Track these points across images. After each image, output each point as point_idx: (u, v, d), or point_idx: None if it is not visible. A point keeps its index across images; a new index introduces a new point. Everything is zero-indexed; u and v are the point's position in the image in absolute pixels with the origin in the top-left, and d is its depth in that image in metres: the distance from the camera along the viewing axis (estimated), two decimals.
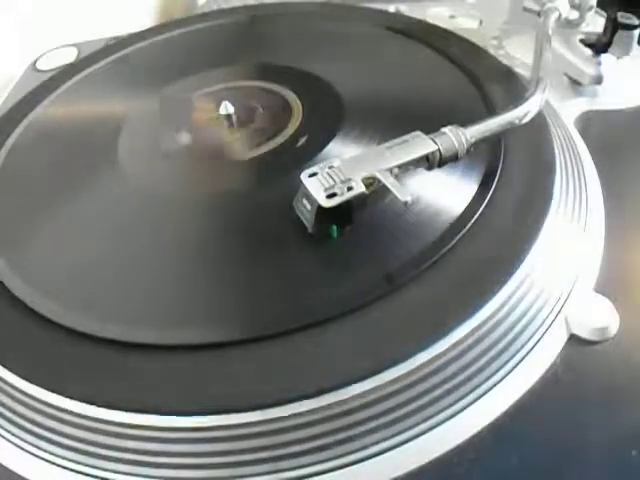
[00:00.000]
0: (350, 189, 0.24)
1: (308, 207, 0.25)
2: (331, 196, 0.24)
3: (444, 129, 0.27)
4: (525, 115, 0.28)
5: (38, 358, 0.24)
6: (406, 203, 0.24)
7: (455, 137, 0.26)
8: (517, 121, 0.28)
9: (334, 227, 0.26)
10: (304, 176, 0.25)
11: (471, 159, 0.28)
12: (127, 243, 0.28)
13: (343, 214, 0.25)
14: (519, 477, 0.22)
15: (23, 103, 0.39)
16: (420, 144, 0.26)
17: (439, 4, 0.46)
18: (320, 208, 0.24)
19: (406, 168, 0.26)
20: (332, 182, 0.25)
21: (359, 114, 0.32)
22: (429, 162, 0.26)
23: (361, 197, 0.25)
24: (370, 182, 0.25)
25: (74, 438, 0.23)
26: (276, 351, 0.23)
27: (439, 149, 0.26)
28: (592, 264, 0.27)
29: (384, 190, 0.25)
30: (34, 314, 0.26)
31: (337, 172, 0.25)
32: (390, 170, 0.25)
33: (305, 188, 0.25)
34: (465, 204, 0.27)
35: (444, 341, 0.22)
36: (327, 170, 0.25)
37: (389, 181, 0.25)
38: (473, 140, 0.27)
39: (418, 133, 0.27)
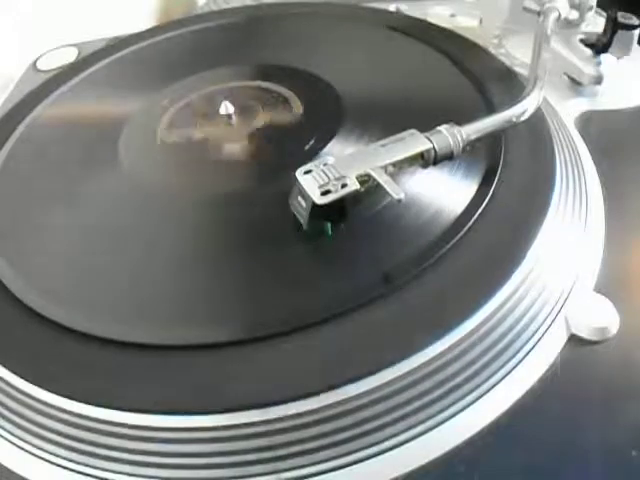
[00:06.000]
0: (344, 186, 0.25)
1: (303, 204, 0.25)
2: (325, 193, 0.24)
3: (440, 127, 0.27)
4: (522, 113, 0.28)
5: (38, 358, 0.24)
6: (399, 200, 0.24)
7: (451, 135, 0.26)
8: (514, 119, 0.28)
9: (328, 224, 0.26)
10: (299, 173, 0.25)
11: (471, 159, 0.28)
12: (126, 243, 0.28)
13: (337, 211, 0.25)
14: (519, 477, 0.22)
15: (23, 103, 0.39)
16: (415, 142, 0.26)
17: (440, 3, 0.46)
18: (314, 205, 0.25)
19: (401, 166, 0.26)
20: (326, 179, 0.25)
21: (359, 114, 0.32)
22: (424, 160, 0.26)
23: (355, 194, 0.25)
24: (364, 179, 0.25)
25: (74, 438, 0.23)
26: (275, 351, 0.23)
27: (434, 147, 0.26)
28: (592, 264, 0.27)
29: (382, 188, 0.25)
30: (34, 314, 0.26)
31: (331, 169, 0.25)
32: (384, 168, 0.25)
33: (300, 185, 0.25)
34: (465, 204, 0.27)
35: (444, 341, 0.22)
36: (322, 167, 0.25)
37: (382, 179, 0.25)
38: (469, 138, 0.27)
39: (413, 131, 0.27)
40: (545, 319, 0.25)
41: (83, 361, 0.24)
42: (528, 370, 0.24)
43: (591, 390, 0.23)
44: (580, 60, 0.36)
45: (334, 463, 0.22)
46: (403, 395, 0.22)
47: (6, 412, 0.24)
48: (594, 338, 0.24)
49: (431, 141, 0.26)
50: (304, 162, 0.26)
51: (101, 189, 0.31)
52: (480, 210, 0.26)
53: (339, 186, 0.25)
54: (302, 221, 0.26)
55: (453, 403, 0.23)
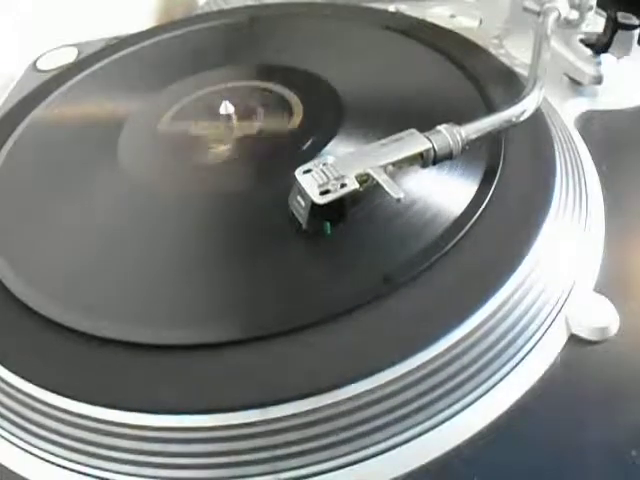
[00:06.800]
0: (343, 186, 0.25)
1: (302, 204, 0.25)
2: (325, 193, 0.24)
3: (439, 127, 0.27)
4: (522, 113, 0.28)
5: (38, 358, 0.24)
6: (399, 200, 0.24)
7: (450, 135, 0.26)
8: (514, 119, 0.28)
9: (328, 224, 0.26)
10: (298, 173, 0.25)
11: (471, 159, 0.28)
12: (126, 243, 0.28)
13: (337, 211, 0.25)
14: (519, 477, 0.22)
15: (23, 103, 0.39)
16: (414, 142, 0.26)
17: (439, 3, 0.46)
18: (314, 204, 0.25)
19: (400, 165, 0.26)
20: (326, 179, 0.25)
21: (359, 114, 0.32)
22: (423, 160, 0.26)
23: (355, 194, 0.25)
24: (364, 179, 0.25)
25: (74, 438, 0.23)
26: (275, 351, 0.23)
27: (433, 147, 0.26)
28: (592, 264, 0.27)
29: (381, 188, 0.25)
30: (34, 314, 0.26)
31: (331, 169, 0.25)
32: (384, 167, 0.25)
33: (299, 185, 0.25)
34: (465, 204, 0.27)
35: (444, 341, 0.22)
36: (321, 167, 0.25)
37: (382, 178, 0.25)
38: (469, 138, 0.27)
39: (413, 131, 0.27)
40: (545, 319, 0.25)
41: (83, 361, 0.24)
42: (528, 370, 0.24)
43: (591, 390, 0.23)
44: (580, 60, 0.36)
45: (334, 463, 0.22)
46: (403, 395, 0.22)
47: (6, 412, 0.24)
48: (594, 338, 0.24)
49: (430, 141, 0.26)
50: (304, 162, 0.26)
51: (101, 189, 0.31)
52: (480, 210, 0.26)
53: (338, 186, 0.25)
54: (301, 221, 0.26)
55: (453, 403, 0.22)
